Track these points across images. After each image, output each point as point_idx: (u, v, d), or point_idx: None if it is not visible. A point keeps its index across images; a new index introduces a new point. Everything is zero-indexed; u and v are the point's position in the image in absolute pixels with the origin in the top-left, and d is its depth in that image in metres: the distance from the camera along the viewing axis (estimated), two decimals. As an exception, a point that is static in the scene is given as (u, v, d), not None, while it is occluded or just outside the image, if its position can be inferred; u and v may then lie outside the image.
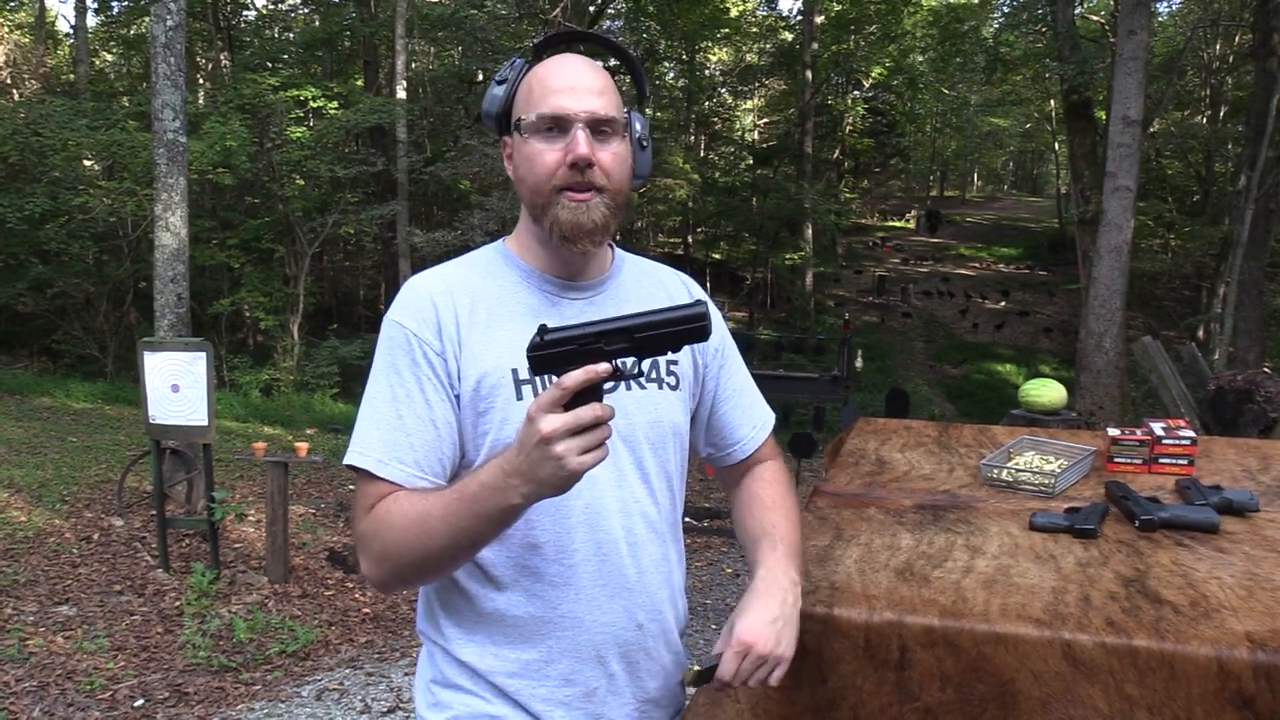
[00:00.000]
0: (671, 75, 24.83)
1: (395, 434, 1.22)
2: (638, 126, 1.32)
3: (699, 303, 1.07)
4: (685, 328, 1.07)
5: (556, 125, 1.23)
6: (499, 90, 1.30)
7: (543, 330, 1.07)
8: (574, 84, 1.23)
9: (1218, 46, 19.95)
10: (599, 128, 1.23)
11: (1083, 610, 1.21)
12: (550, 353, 1.06)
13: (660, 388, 1.34)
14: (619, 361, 1.06)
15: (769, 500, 1.41)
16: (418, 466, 1.21)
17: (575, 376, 1.01)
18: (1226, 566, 1.36)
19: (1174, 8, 22.88)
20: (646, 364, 1.32)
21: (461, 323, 1.25)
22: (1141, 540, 1.48)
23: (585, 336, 1.05)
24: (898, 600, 1.26)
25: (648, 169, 1.35)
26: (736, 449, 1.47)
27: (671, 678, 1.38)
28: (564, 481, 1.03)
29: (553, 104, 1.22)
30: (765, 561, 1.29)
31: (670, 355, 1.25)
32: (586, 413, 1.00)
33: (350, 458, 1.23)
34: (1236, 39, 19.21)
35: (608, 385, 1.27)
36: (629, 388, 1.30)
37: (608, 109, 1.24)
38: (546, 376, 1.15)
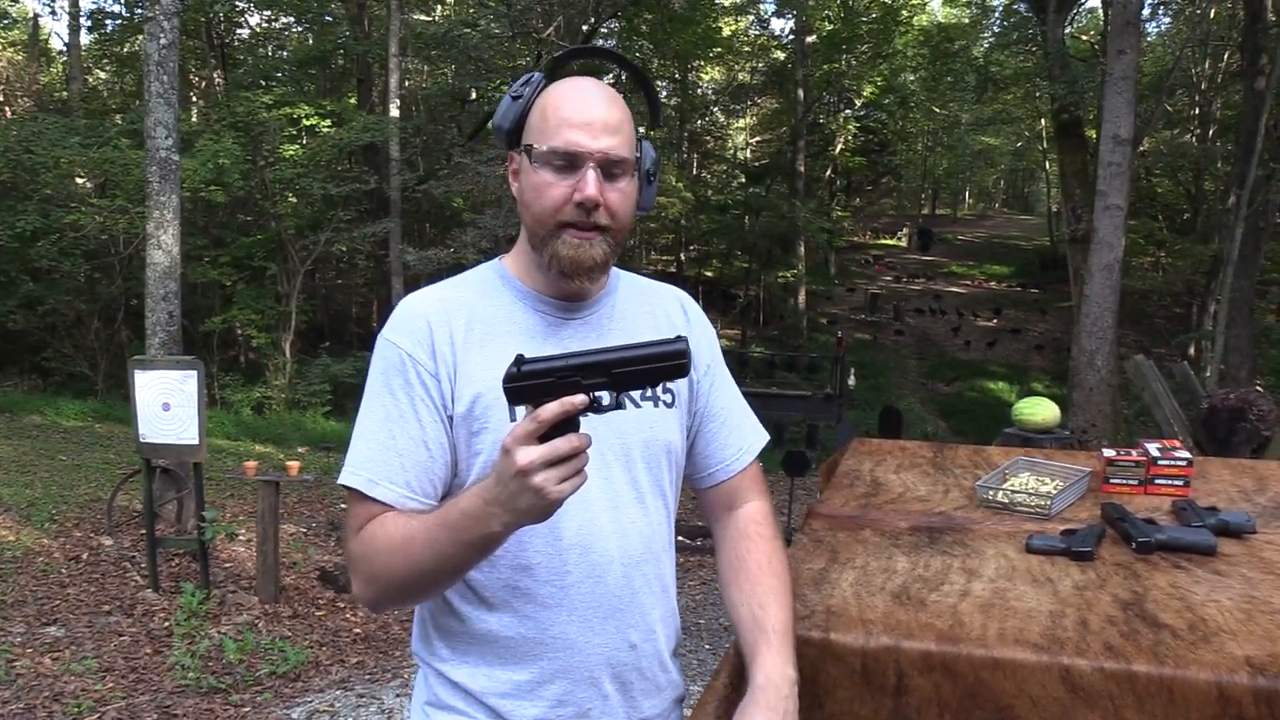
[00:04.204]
0: (664, 94, 24.93)
1: (387, 454, 1.21)
2: (648, 161, 1.30)
3: (679, 339, 1.06)
4: (664, 364, 1.05)
5: (568, 161, 1.20)
6: (513, 106, 1.26)
7: (519, 361, 1.05)
8: (590, 119, 1.20)
9: (1206, 66, 20.11)
10: (610, 169, 1.20)
11: (1081, 634, 1.20)
12: (526, 384, 1.04)
13: (656, 405, 1.32)
14: (596, 395, 1.04)
15: (755, 567, 1.32)
16: (408, 487, 1.21)
17: (551, 409, 1.00)
18: (1225, 589, 1.35)
19: (1163, 27, 23.09)
20: None
21: (457, 342, 1.24)
22: (1139, 563, 1.47)
23: (563, 369, 1.04)
24: (894, 624, 1.24)
25: (651, 202, 1.33)
26: (720, 469, 1.42)
27: (666, 697, 1.37)
28: (544, 511, 1.03)
29: (566, 138, 1.19)
30: (762, 663, 1.20)
31: None
32: (563, 444, 0.99)
33: (343, 476, 1.23)
34: (1225, 58, 19.37)
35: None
36: (623, 406, 1.29)
37: (621, 149, 1.21)
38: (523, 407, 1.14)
